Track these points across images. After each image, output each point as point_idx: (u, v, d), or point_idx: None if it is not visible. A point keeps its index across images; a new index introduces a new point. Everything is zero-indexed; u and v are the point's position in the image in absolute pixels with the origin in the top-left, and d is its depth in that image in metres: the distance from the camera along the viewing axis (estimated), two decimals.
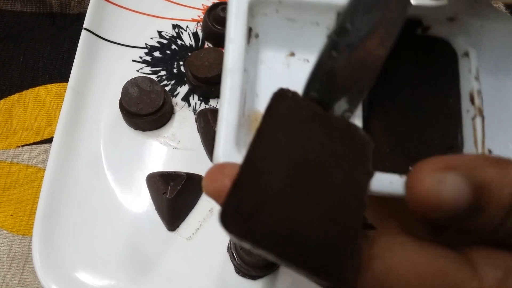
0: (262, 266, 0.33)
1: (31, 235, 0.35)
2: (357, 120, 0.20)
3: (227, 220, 0.15)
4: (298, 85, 0.21)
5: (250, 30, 0.21)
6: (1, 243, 0.38)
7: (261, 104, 0.21)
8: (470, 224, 0.16)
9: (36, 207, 0.35)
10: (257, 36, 0.22)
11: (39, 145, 0.42)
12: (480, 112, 0.21)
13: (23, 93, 0.44)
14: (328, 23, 0.22)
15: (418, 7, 0.22)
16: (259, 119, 0.19)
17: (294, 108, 0.17)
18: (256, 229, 0.14)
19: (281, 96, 0.17)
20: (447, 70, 0.22)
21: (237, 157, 0.18)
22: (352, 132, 0.17)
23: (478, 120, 0.21)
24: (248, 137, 0.19)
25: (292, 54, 0.23)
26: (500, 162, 0.16)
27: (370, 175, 0.17)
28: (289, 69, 0.23)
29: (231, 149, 0.18)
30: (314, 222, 0.15)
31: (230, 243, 0.35)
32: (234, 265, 0.35)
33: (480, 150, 0.20)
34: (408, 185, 0.16)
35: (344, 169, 0.16)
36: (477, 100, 0.21)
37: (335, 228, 0.15)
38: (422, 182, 0.15)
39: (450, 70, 0.22)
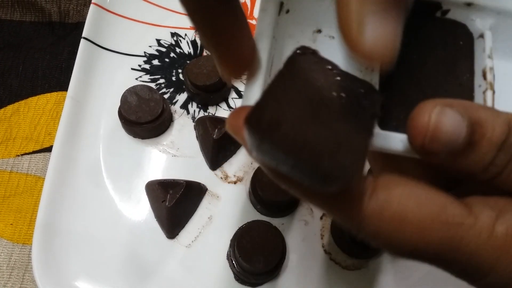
0: (261, 273, 0.33)
1: (31, 244, 0.35)
2: None
3: (252, 121, 0.16)
4: None
5: (281, 4, 0.23)
6: (1, 252, 0.38)
7: None
8: (464, 162, 0.17)
9: (36, 216, 0.36)
10: (287, 11, 0.24)
11: (38, 154, 0.42)
12: (491, 86, 0.22)
13: (22, 102, 0.44)
14: None
15: None
16: None
17: (313, 60, 0.19)
18: (276, 133, 0.16)
19: (302, 51, 0.19)
20: (463, 50, 0.24)
21: None
22: (365, 85, 0.19)
23: (489, 93, 0.22)
24: None
25: (319, 31, 0.24)
26: (493, 109, 0.18)
27: (376, 116, 0.19)
28: (315, 44, 0.24)
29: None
30: (326, 139, 0.17)
31: (229, 251, 0.35)
32: (234, 273, 0.35)
33: None
34: (411, 117, 0.17)
35: (354, 109, 0.18)
36: (488, 76, 0.22)
37: (345, 146, 0.17)
38: (424, 114, 0.17)
39: (465, 50, 0.24)
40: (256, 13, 0.48)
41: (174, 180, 0.37)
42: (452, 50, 0.23)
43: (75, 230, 0.37)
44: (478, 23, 0.24)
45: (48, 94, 0.45)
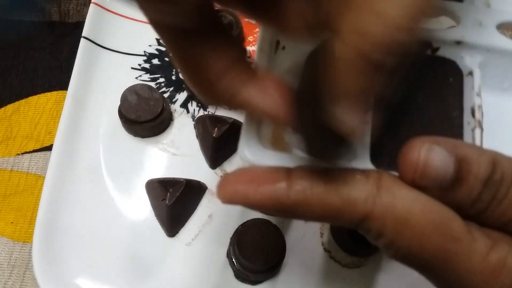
0: (261, 271, 0.34)
1: (32, 242, 0.35)
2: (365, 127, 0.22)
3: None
4: None
5: (278, 42, 0.24)
6: (2, 251, 0.38)
7: None
8: (453, 197, 0.18)
9: (36, 215, 0.36)
10: (283, 48, 0.25)
11: (39, 152, 0.42)
12: (480, 124, 0.23)
13: (22, 101, 0.45)
14: None
15: (429, 31, 0.24)
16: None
17: None
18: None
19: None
20: (453, 87, 0.24)
21: (262, 153, 0.21)
22: None
23: (478, 131, 0.23)
24: (270, 139, 0.23)
25: None
26: (478, 146, 0.19)
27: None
28: None
29: (255, 146, 0.21)
30: None
31: (229, 249, 0.36)
32: (234, 270, 0.35)
33: None
34: (402, 154, 0.18)
35: None
36: (477, 114, 0.23)
37: None
38: (413, 151, 0.17)
39: (455, 87, 0.24)
40: None
41: (173, 178, 0.37)
42: (442, 86, 0.24)
43: (76, 228, 0.37)
44: (467, 60, 0.24)
45: (48, 93, 0.45)
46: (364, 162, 0.21)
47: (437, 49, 0.25)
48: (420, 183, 0.17)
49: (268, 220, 0.35)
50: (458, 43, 0.24)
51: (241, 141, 0.21)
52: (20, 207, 0.40)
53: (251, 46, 0.45)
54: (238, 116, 0.38)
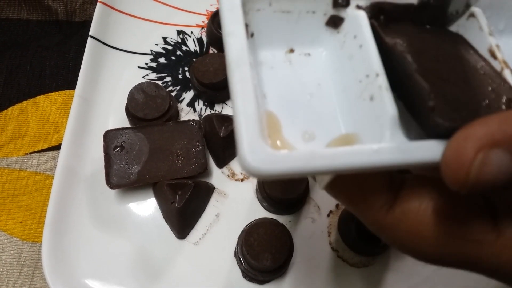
0: (269, 270, 0.34)
1: (41, 242, 0.35)
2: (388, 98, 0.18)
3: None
4: (303, 81, 0.21)
5: (246, 26, 0.20)
6: (11, 250, 0.38)
7: (271, 105, 0.20)
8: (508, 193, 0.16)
9: (45, 214, 0.36)
10: (252, 35, 0.21)
11: (47, 152, 0.42)
12: (506, 65, 0.20)
13: (30, 101, 0.45)
14: (325, 9, 0.21)
15: None
16: (275, 120, 0.19)
17: None
18: None
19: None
20: (459, 39, 0.21)
21: (266, 150, 0.16)
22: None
23: (507, 72, 0.20)
24: (268, 137, 0.18)
25: (292, 50, 0.22)
26: None
27: None
28: (292, 66, 0.22)
29: (257, 142, 0.16)
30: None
31: (237, 248, 0.36)
32: (241, 270, 0.36)
33: None
34: (445, 159, 0.15)
35: None
36: (498, 54, 0.20)
37: None
38: (462, 161, 0.14)
39: (462, 38, 0.21)
40: None
41: (182, 181, 0.36)
42: (450, 43, 0.21)
43: (85, 228, 0.37)
44: (457, 2, 0.21)
45: (56, 93, 0.45)
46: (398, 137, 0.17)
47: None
48: (468, 192, 0.14)
49: (276, 220, 0.35)
50: None
51: (241, 146, 0.16)
52: (29, 206, 0.40)
53: None
54: None
